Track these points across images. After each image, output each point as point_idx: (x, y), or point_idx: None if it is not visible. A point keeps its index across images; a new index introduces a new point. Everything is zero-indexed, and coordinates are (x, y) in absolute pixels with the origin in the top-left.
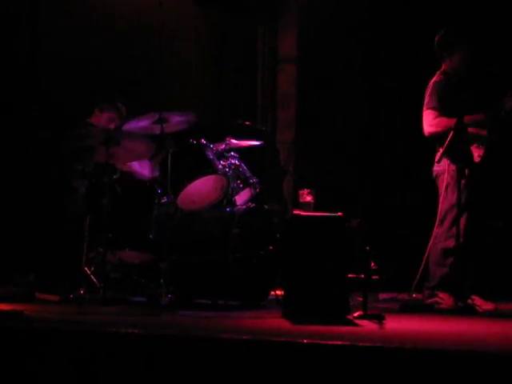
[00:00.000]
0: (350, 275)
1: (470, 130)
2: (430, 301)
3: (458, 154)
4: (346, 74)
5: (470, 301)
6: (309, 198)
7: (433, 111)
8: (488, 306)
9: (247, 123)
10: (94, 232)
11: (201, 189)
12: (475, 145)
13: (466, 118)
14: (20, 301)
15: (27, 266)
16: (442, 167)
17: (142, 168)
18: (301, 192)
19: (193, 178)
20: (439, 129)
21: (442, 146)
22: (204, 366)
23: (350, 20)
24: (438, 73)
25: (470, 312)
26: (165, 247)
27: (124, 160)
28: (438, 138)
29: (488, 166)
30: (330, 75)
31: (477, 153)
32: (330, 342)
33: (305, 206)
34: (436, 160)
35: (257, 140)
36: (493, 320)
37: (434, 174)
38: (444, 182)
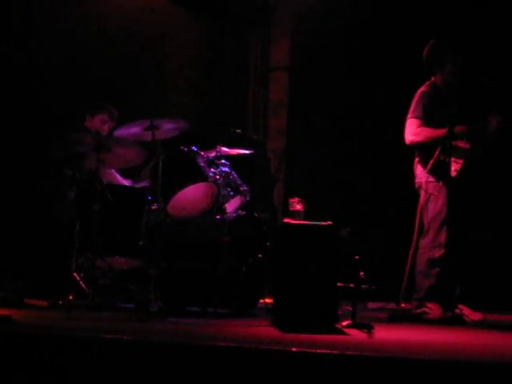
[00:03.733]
0: (339, 284)
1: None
2: (418, 311)
3: (438, 167)
4: (338, 82)
5: (458, 311)
6: (299, 207)
7: (417, 120)
8: (476, 316)
9: (238, 131)
10: (84, 238)
11: (191, 196)
12: (453, 158)
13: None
14: (8, 306)
15: (16, 271)
16: (423, 179)
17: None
18: (291, 200)
19: (183, 185)
20: (421, 138)
21: (420, 156)
22: (193, 373)
23: (343, 29)
24: (426, 83)
25: (458, 322)
26: (154, 254)
27: (114, 166)
28: (418, 147)
29: (466, 181)
30: (322, 84)
31: (454, 167)
32: (319, 351)
33: (295, 214)
34: (426, 170)
35: (248, 148)
36: (481, 330)
37: (416, 185)
38: (424, 194)
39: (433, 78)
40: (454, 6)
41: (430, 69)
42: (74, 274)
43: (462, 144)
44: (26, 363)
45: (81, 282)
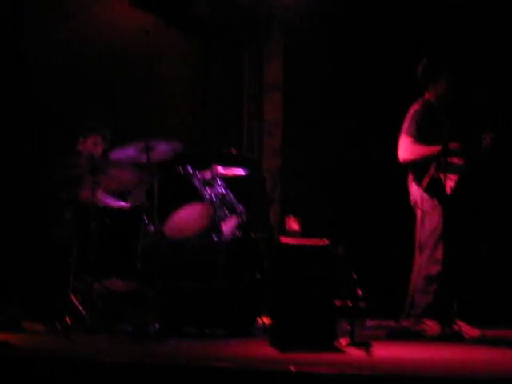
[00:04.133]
0: (336, 302)
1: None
2: (416, 328)
3: (433, 184)
4: (333, 100)
5: (456, 327)
6: (295, 226)
7: (410, 138)
8: (474, 332)
9: (233, 151)
10: (81, 261)
11: (187, 217)
12: (447, 174)
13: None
14: (6, 330)
15: (14, 294)
16: (418, 196)
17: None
18: (287, 219)
19: (179, 206)
20: (414, 156)
21: (414, 174)
22: None
23: (337, 47)
24: (419, 100)
25: (456, 338)
26: (152, 276)
27: (110, 188)
28: (411, 165)
29: (460, 198)
30: (317, 102)
31: (448, 184)
32: (318, 370)
33: (291, 233)
34: (422, 188)
35: (243, 168)
36: (479, 346)
37: (412, 203)
38: (420, 211)
39: (426, 95)
40: (447, 19)
41: (423, 85)
42: (72, 297)
43: (456, 160)
44: None
45: (78, 305)
